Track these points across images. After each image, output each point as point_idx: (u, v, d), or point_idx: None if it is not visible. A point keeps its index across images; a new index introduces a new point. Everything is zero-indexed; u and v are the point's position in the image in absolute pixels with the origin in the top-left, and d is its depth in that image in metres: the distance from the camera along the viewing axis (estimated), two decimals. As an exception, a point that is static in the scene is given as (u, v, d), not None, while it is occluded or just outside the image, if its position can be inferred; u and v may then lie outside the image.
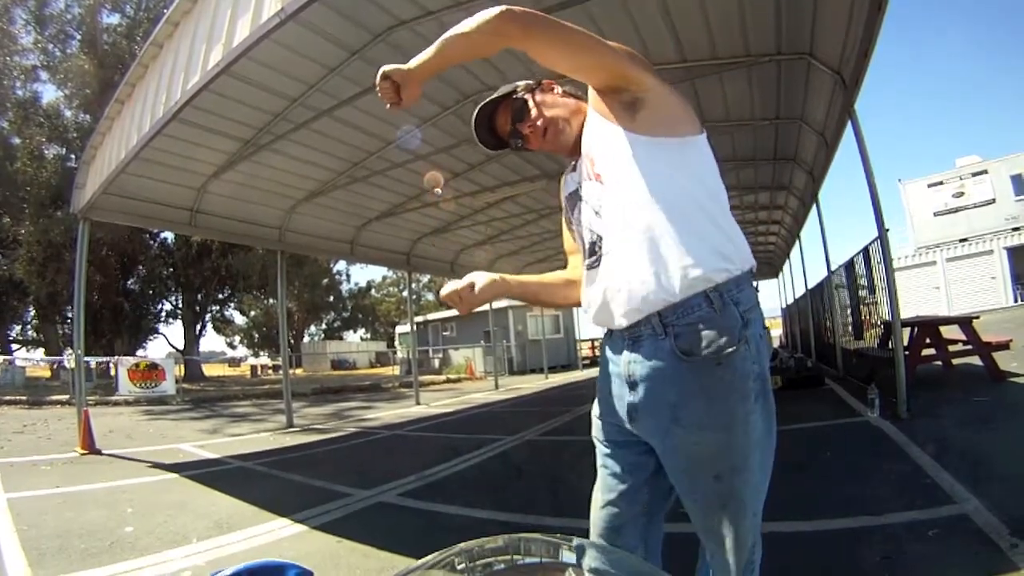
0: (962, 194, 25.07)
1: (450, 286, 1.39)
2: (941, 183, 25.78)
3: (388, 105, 1.28)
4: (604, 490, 1.37)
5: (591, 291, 1.34)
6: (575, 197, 1.41)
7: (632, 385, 1.26)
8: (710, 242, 1.19)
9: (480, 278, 1.41)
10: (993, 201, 24.13)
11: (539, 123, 1.42)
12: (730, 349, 1.15)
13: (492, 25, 1.17)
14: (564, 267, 1.63)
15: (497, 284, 1.43)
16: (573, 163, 1.45)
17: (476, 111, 1.48)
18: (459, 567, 0.64)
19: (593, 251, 1.31)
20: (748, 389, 1.17)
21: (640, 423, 1.26)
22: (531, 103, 1.44)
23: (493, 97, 1.49)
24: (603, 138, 1.28)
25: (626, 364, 1.27)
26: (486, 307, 21.74)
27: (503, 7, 1.18)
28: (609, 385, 1.35)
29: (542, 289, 1.57)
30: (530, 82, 1.49)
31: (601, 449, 1.41)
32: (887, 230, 6.12)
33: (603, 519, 1.36)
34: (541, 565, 0.69)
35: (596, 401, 1.44)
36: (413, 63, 1.24)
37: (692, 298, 1.16)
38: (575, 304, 1.52)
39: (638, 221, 1.19)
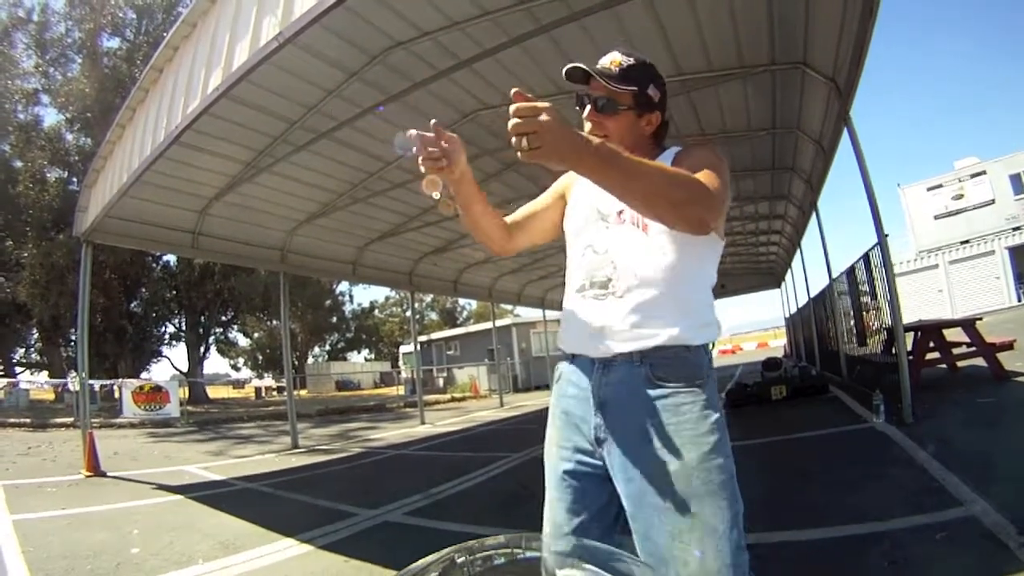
0: (961, 196, 25.05)
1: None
2: (940, 186, 25.79)
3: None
4: (556, 523, 1.37)
5: (582, 318, 1.35)
6: (602, 216, 1.40)
7: (601, 406, 1.32)
8: (710, 320, 1.35)
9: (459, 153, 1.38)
10: (993, 202, 24.10)
11: (600, 134, 1.36)
12: (699, 380, 1.28)
13: (694, 210, 1.14)
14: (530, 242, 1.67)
15: (463, 163, 1.40)
16: None
17: (598, 65, 1.37)
18: (459, 560, 0.66)
19: (604, 285, 1.33)
20: (716, 419, 1.25)
21: (609, 444, 1.30)
22: (617, 110, 1.37)
23: (606, 71, 1.36)
24: None
25: (597, 387, 1.33)
26: (489, 325, 21.67)
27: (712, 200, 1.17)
28: (571, 408, 1.39)
29: (486, 209, 1.56)
30: (641, 89, 1.38)
31: (556, 479, 1.40)
32: (886, 235, 6.16)
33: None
34: (542, 560, 0.71)
35: (551, 427, 1.45)
36: (593, 142, 1.06)
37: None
38: (486, 242, 1.59)
39: (669, 288, 1.28)
